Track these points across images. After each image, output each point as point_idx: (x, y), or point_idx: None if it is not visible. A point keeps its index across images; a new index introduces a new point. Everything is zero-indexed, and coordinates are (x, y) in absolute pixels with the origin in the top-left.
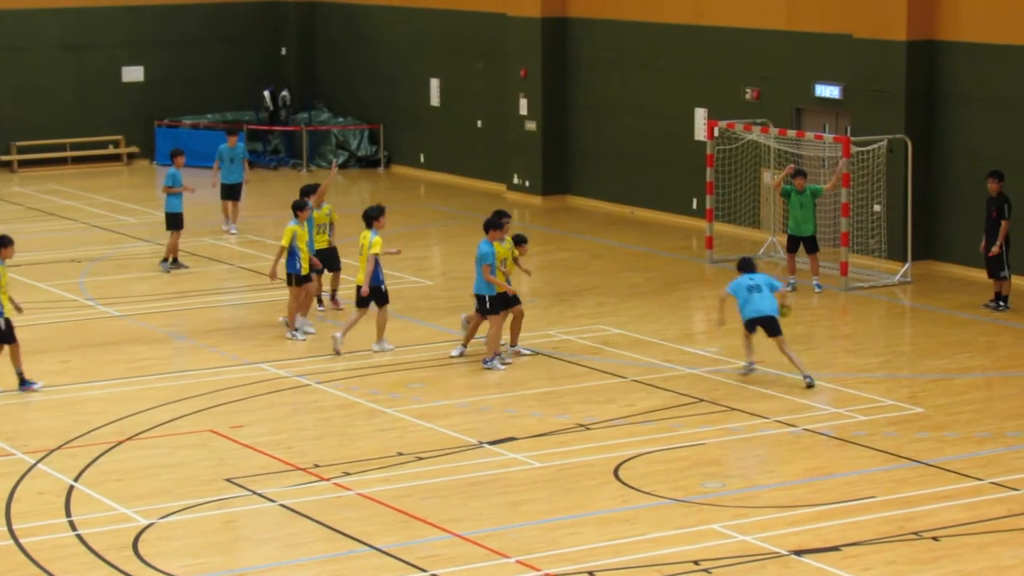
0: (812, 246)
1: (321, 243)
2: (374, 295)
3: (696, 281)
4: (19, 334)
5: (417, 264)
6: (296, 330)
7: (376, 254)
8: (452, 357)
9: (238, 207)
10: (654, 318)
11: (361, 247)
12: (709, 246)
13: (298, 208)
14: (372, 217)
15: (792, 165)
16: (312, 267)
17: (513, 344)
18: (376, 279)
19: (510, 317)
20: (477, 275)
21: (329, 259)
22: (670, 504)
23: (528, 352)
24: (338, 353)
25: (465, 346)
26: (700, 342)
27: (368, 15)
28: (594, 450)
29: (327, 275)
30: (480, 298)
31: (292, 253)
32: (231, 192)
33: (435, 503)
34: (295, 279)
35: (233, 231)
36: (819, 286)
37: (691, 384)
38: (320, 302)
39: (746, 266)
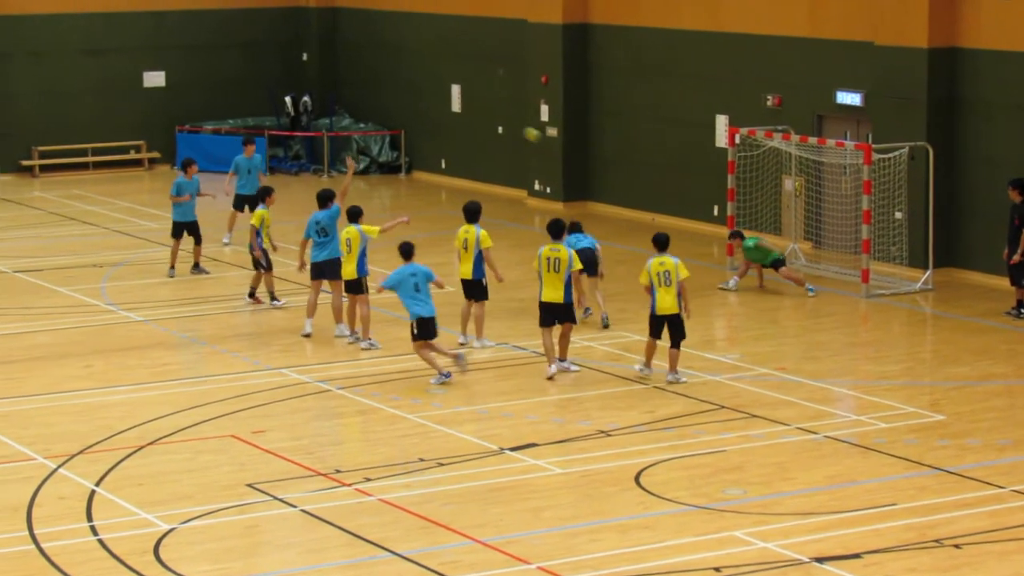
0: (776, 265)
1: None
2: (475, 289)
3: (717, 288)
4: (42, 339)
5: (438, 270)
6: (370, 340)
7: (488, 248)
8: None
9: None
10: None
11: (466, 242)
12: (730, 253)
13: (359, 215)
14: (477, 212)
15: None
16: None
17: (562, 358)
18: (479, 272)
19: (559, 330)
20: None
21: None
22: (691, 511)
23: (576, 368)
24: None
25: (564, 359)
26: (721, 349)
27: (390, 21)
28: (615, 456)
29: (258, 274)
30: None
31: (363, 256)
32: (247, 203)
33: (456, 509)
34: (366, 284)
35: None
36: (812, 289)
37: (712, 391)
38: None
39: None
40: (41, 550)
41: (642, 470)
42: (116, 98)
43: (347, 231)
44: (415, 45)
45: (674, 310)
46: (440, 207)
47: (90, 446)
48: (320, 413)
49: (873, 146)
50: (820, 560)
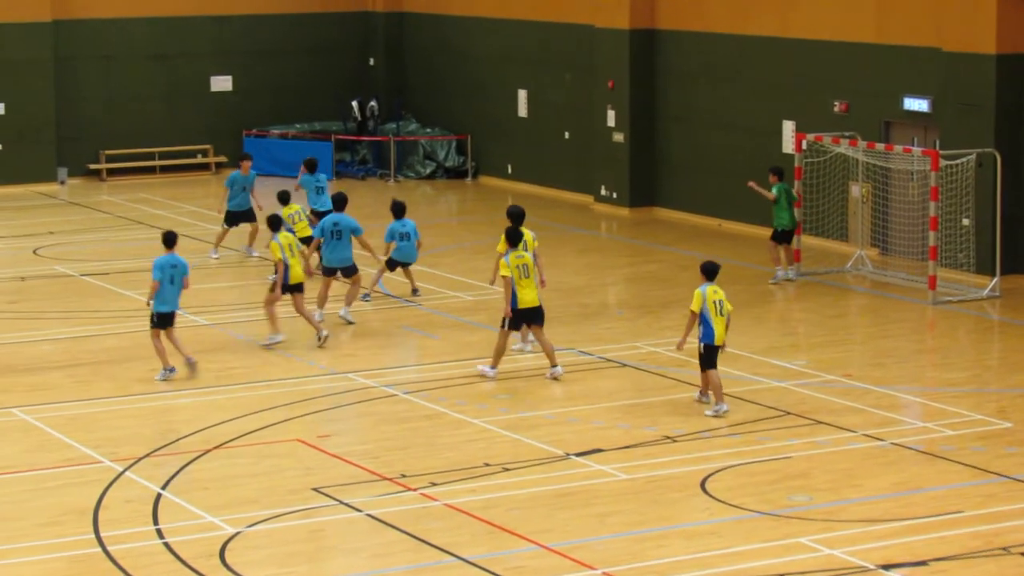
0: (782, 237)
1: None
2: None
3: (783, 294)
4: (109, 342)
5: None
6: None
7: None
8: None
9: (257, 228)
10: (741, 330)
11: (525, 244)
12: (797, 259)
13: (280, 223)
14: (524, 215)
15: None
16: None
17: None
18: None
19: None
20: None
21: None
22: (757, 517)
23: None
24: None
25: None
26: (787, 355)
27: (457, 26)
28: (681, 462)
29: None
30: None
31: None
32: (244, 218)
33: (522, 514)
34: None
35: (255, 254)
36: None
37: (778, 397)
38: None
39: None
40: (107, 553)
41: (708, 476)
42: (183, 102)
43: (285, 237)
44: (482, 50)
45: (724, 339)
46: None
47: (156, 449)
48: (386, 417)
49: (940, 152)
50: (886, 567)
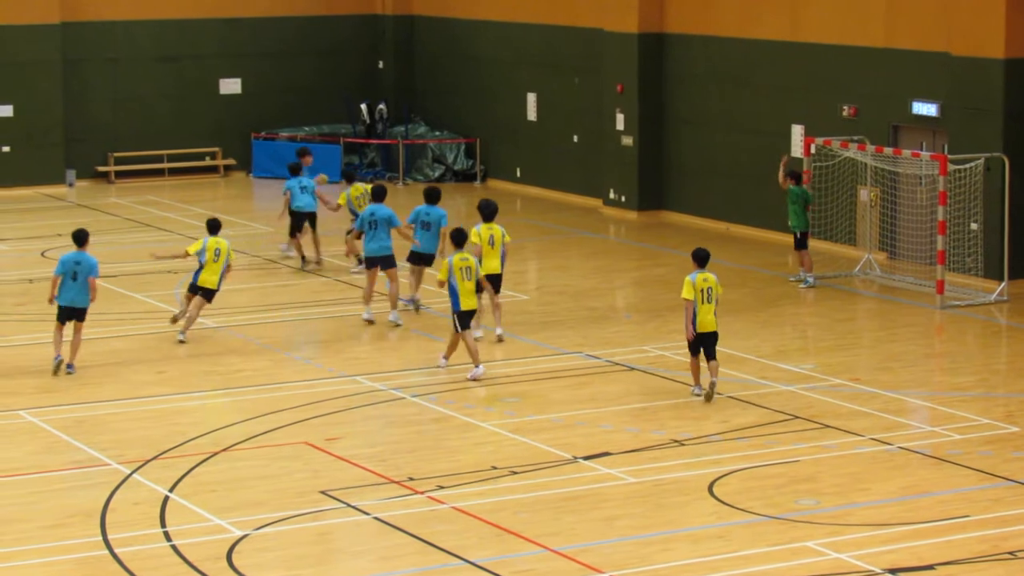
0: (797, 242)
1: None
2: (499, 283)
3: (791, 298)
4: (117, 344)
5: (513, 279)
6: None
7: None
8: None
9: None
10: (749, 334)
11: (492, 238)
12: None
13: (219, 227)
14: (497, 211)
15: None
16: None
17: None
18: (501, 267)
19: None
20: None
21: None
22: (764, 521)
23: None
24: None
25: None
26: (795, 359)
27: (466, 29)
28: (688, 466)
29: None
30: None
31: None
32: (307, 220)
33: (529, 517)
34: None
35: (292, 254)
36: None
37: (786, 401)
38: None
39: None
40: (115, 555)
41: (715, 480)
42: (192, 105)
43: (217, 241)
44: (491, 53)
45: (712, 327)
46: (515, 215)
47: (164, 452)
48: (394, 420)
49: (949, 157)
50: (893, 571)
